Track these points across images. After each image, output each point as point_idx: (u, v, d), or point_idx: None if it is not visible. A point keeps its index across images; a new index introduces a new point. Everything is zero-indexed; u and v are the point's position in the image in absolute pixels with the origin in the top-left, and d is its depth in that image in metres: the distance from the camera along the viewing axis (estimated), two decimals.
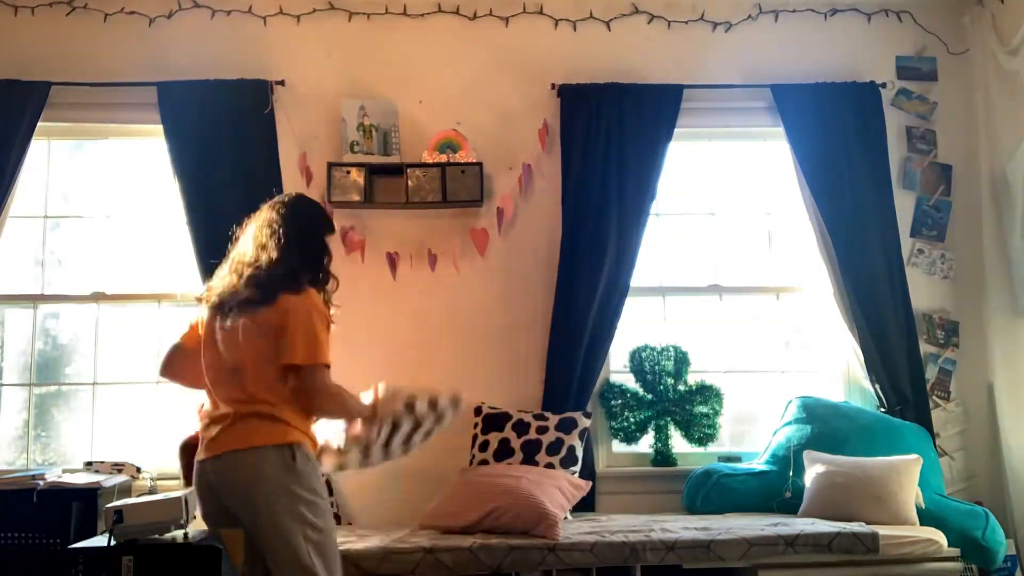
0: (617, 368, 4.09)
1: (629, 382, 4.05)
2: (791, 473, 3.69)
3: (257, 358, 2.38)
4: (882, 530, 3.19)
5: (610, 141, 3.98)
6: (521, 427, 3.71)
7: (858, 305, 3.94)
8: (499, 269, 4.00)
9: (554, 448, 3.64)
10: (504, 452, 3.65)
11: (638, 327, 4.11)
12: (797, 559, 3.11)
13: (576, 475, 3.68)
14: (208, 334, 2.47)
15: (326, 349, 2.41)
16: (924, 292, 4.09)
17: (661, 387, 4.00)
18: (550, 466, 3.61)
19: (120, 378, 4.02)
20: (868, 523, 3.26)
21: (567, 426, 3.70)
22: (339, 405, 2.47)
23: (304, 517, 2.34)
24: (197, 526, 2.82)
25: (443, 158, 3.90)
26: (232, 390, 2.40)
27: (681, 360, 4.04)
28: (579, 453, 3.69)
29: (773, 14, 4.21)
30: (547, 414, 3.77)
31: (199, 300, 2.58)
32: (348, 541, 3.07)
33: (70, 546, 2.67)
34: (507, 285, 4.01)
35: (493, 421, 3.75)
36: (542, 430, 3.70)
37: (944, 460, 3.90)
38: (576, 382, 3.86)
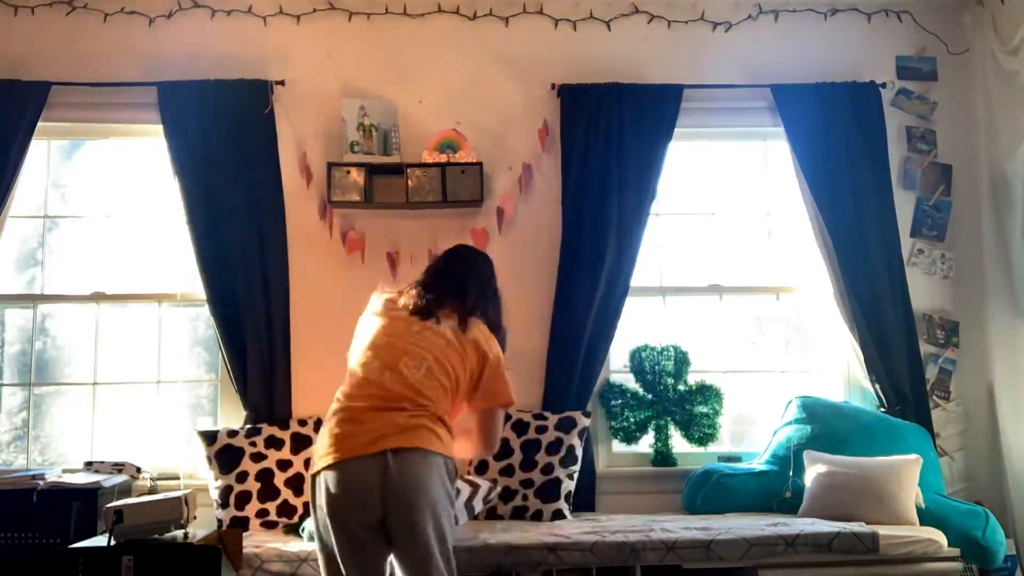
0: (617, 368, 4.09)
1: (629, 382, 4.05)
2: (791, 473, 3.69)
3: None
4: (882, 530, 3.19)
5: (610, 141, 3.98)
6: (520, 427, 3.72)
7: (858, 305, 3.94)
8: (499, 269, 3.96)
9: (553, 448, 3.65)
10: (503, 452, 3.64)
11: (638, 327, 4.11)
12: (797, 559, 3.10)
13: (575, 475, 3.68)
14: None
15: None
16: (924, 292, 4.09)
17: (661, 387, 4.00)
18: (550, 466, 3.62)
19: (120, 378, 4.02)
20: (868, 523, 3.26)
21: (566, 425, 3.70)
22: None
23: None
24: (197, 526, 2.82)
25: (443, 158, 3.89)
26: None
27: (681, 360, 4.04)
28: (579, 452, 3.69)
29: (773, 14, 4.21)
30: (546, 413, 3.77)
31: None
32: None
33: (70, 546, 2.67)
34: (507, 285, 3.97)
35: None
36: (541, 430, 3.70)
37: (944, 460, 3.90)
38: (576, 382, 3.86)
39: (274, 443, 3.66)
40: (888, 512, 3.39)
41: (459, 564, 2.96)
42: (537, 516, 3.55)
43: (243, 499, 3.52)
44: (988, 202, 4.02)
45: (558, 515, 3.56)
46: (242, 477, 3.56)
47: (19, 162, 3.83)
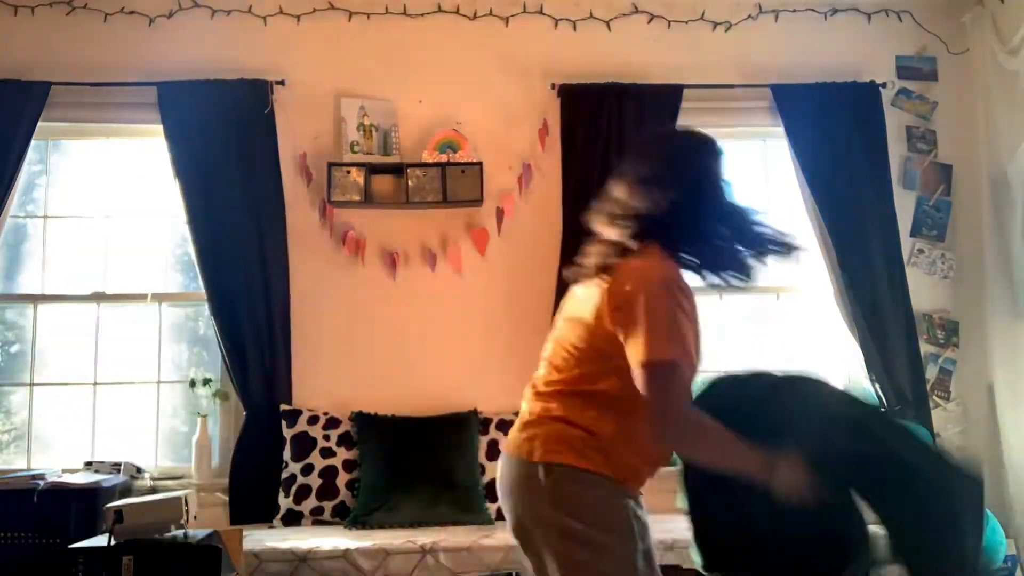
0: None
1: None
2: None
3: None
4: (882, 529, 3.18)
5: (610, 141, 3.98)
6: (505, 427, 3.63)
7: (858, 305, 3.93)
8: (499, 269, 4.00)
9: None
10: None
11: None
12: None
13: None
14: None
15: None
16: (924, 292, 4.09)
17: None
18: None
19: (120, 378, 4.02)
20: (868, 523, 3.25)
21: None
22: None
23: None
24: (197, 526, 2.82)
25: (443, 158, 3.90)
26: None
27: None
28: None
29: (773, 14, 4.21)
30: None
31: None
32: (347, 541, 3.08)
33: (70, 546, 2.67)
34: (507, 285, 4.01)
35: (488, 423, 3.69)
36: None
37: None
38: None
39: (346, 440, 3.66)
40: None
41: (458, 563, 2.98)
42: None
43: (303, 493, 3.54)
44: (988, 202, 4.02)
45: None
46: (308, 470, 3.58)
47: (19, 162, 3.83)
